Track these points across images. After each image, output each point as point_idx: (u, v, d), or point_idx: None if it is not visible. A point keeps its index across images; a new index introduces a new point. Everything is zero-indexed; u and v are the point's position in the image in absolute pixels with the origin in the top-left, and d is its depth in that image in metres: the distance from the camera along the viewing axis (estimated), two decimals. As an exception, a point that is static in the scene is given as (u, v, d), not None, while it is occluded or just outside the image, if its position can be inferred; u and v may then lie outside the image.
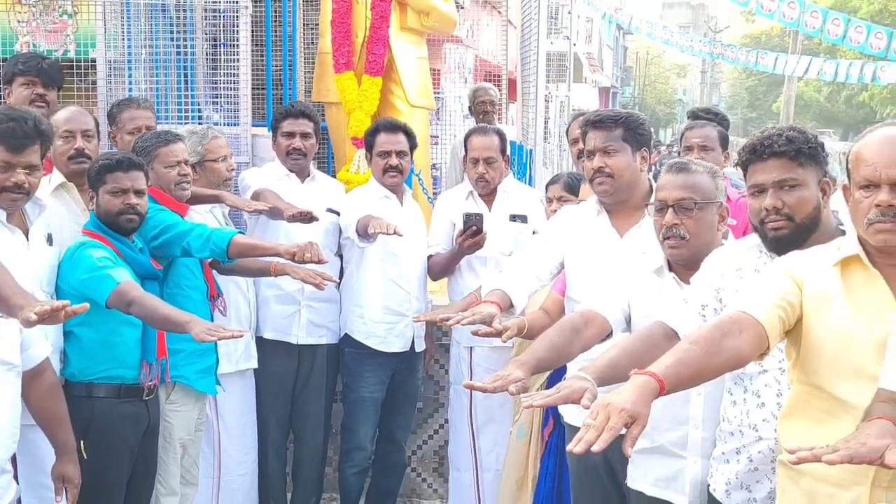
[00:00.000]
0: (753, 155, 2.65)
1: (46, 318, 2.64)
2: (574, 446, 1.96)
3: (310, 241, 3.92)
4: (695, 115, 5.04)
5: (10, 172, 3.25)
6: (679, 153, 4.65)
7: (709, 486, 2.86)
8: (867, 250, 2.30)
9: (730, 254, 2.82)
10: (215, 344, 3.87)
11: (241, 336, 3.95)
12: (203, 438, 4.17)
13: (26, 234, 3.42)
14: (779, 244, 2.60)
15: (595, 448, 1.92)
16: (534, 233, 4.41)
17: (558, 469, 3.83)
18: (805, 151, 2.60)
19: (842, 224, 2.63)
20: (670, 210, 2.93)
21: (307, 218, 4.20)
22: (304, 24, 6.83)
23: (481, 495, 4.65)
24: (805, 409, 2.37)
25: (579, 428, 3.39)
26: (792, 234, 2.59)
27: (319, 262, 3.81)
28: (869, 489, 2.20)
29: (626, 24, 31.27)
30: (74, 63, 5.02)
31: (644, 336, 2.66)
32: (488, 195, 4.67)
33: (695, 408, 2.96)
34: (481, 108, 6.73)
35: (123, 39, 5.12)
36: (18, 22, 5.46)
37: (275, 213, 4.29)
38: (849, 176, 2.33)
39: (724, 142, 4.67)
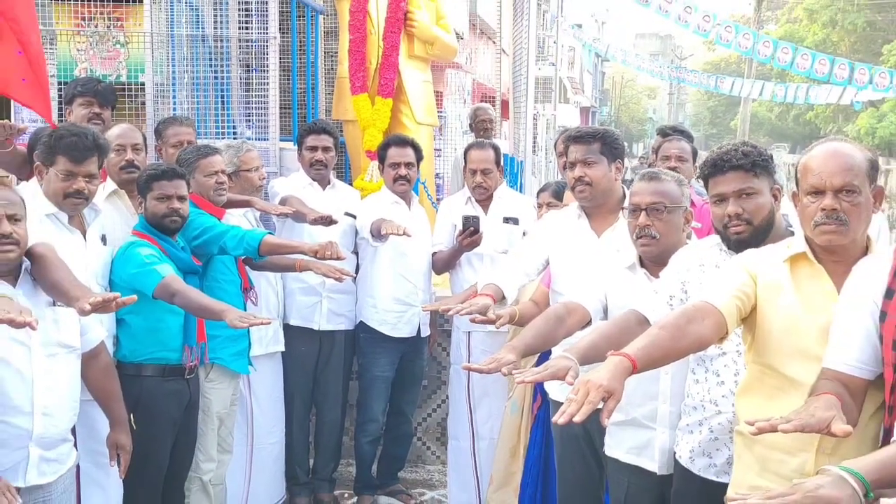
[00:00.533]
0: (714, 168, 2.65)
1: (99, 308, 2.65)
2: (558, 418, 2.00)
3: (330, 240, 3.94)
4: (663, 132, 5.03)
5: (73, 181, 3.25)
6: (652, 164, 4.66)
7: (675, 453, 2.87)
8: (813, 249, 2.33)
9: (693, 252, 2.85)
10: (248, 330, 3.88)
11: (269, 323, 3.97)
12: (237, 412, 4.19)
13: (84, 234, 3.42)
14: (740, 245, 2.61)
15: (576, 419, 1.96)
16: (524, 233, 4.41)
17: (545, 439, 3.85)
18: (759, 163, 2.62)
19: (791, 226, 2.68)
20: (643, 213, 2.94)
21: (327, 221, 4.24)
22: (324, 53, 6.83)
23: (477, 461, 4.66)
24: (759, 386, 2.41)
25: (562, 402, 3.47)
26: (751, 236, 2.60)
27: (338, 258, 3.80)
28: (814, 455, 2.22)
29: (603, 53, 31.13)
30: (126, 86, 5.03)
31: (619, 322, 2.67)
32: (485, 201, 4.67)
33: (663, 385, 2.97)
34: (481, 126, 6.71)
35: (168, 66, 5.11)
36: (78, 50, 5.46)
37: (299, 217, 4.30)
38: (797, 184, 2.34)
39: (695, 155, 4.66)
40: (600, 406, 2.80)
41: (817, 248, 2.34)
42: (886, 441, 2.08)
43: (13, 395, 2.76)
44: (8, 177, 3.50)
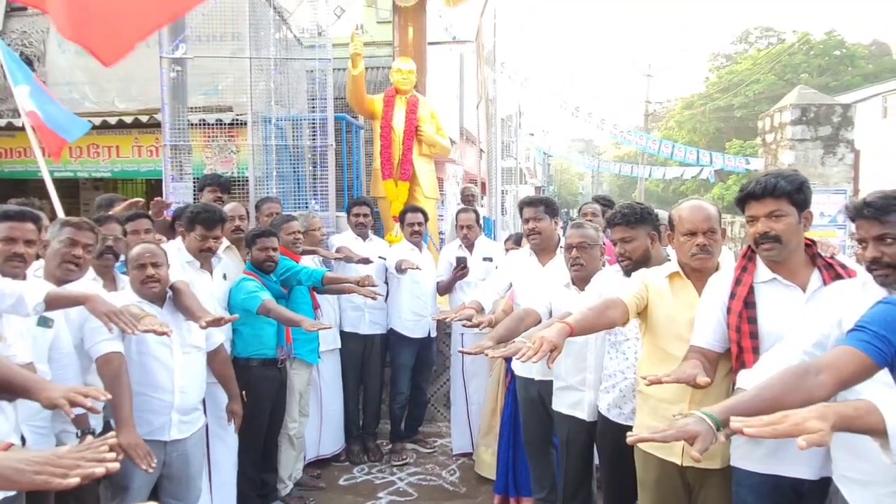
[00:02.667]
0: (608, 222, 2.76)
1: (212, 324, 2.72)
2: (521, 358, 2.00)
3: (368, 275, 4.01)
4: (596, 200, 5.09)
5: (206, 241, 3.33)
6: (575, 217, 4.71)
7: (598, 407, 2.87)
8: (683, 269, 2.36)
9: (606, 274, 2.86)
10: (317, 333, 3.90)
11: (330, 328, 4.03)
12: (311, 389, 4.17)
13: (211, 273, 3.46)
14: (627, 271, 2.65)
15: (533, 360, 1.99)
16: (496, 267, 4.39)
17: (514, 402, 3.78)
18: (640, 217, 2.66)
19: (669, 257, 2.68)
20: (575, 249, 2.96)
21: (366, 261, 4.34)
22: (364, 154, 6.90)
23: (470, 418, 4.61)
24: (650, 359, 2.41)
25: (523, 377, 3.45)
26: (633, 266, 2.65)
27: (374, 286, 3.88)
28: (688, 405, 2.21)
29: (548, 151, 31.55)
30: (236, 179, 5.05)
31: (557, 317, 2.59)
32: (470, 246, 4.65)
33: (589, 362, 2.96)
34: (467, 198, 6.71)
35: (264, 165, 5.15)
36: (206, 157, 5.55)
37: (348, 259, 4.34)
38: (673, 228, 2.38)
39: (604, 211, 4.74)
40: (551, 378, 2.79)
41: (687, 268, 2.37)
42: (734, 393, 2.04)
43: (160, 378, 2.78)
44: (160, 237, 3.51)
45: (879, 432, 1.29)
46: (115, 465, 1.19)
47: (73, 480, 1.13)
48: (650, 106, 33.92)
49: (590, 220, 3.73)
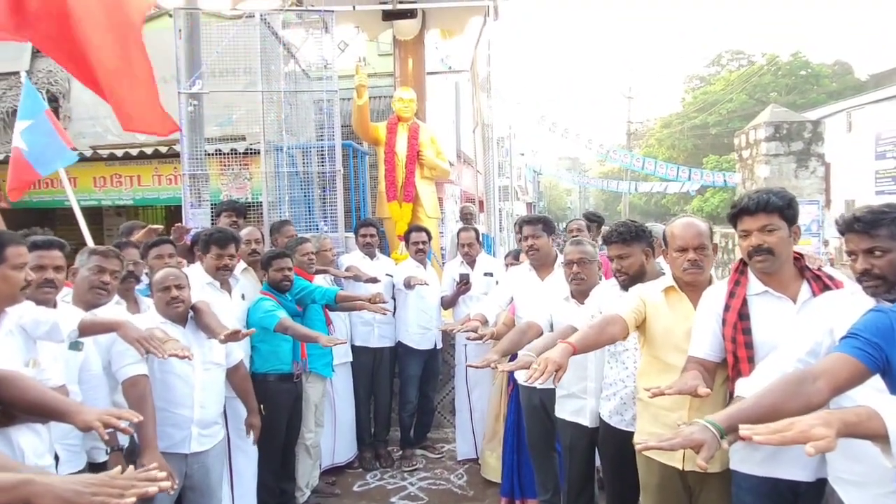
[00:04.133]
0: (604, 240, 2.73)
1: (230, 338, 2.69)
2: (529, 379, 1.98)
3: (378, 292, 3.99)
4: (587, 217, 5.08)
5: (222, 259, 3.31)
6: (567, 233, 4.69)
7: (599, 413, 2.83)
8: (678, 283, 2.34)
9: (604, 288, 2.83)
10: (330, 349, 3.89)
11: (344, 343, 3.99)
12: (325, 401, 4.12)
13: (230, 293, 3.44)
14: (625, 286, 2.63)
15: (539, 382, 1.97)
16: (497, 282, 4.37)
17: (517, 408, 3.76)
18: (635, 234, 2.64)
19: (663, 270, 2.67)
20: (575, 264, 2.94)
21: (374, 280, 4.31)
22: (370, 177, 6.87)
23: (474, 425, 4.57)
24: (650, 369, 2.39)
25: (526, 385, 3.41)
26: (630, 280, 2.61)
27: (383, 303, 3.86)
28: (687, 412, 2.20)
29: (538, 169, 31.66)
30: (250, 204, 5.04)
31: (560, 331, 2.63)
32: (471, 263, 4.63)
33: (590, 371, 2.93)
34: (466, 217, 6.72)
35: (276, 190, 5.13)
36: (222, 184, 5.55)
37: (358, 278, 4.32)
38: (666, 244, 2.37)
39: (590, 226, 4.75)
40: (552, 386, 2.77)
41: (681, 282, 2.34)
42: (731, 401, 2.02)
43: (181, 394, 2.77)
44: (181, 261, 3.49)
45: (880, 437, 1.27)
46: (167, 485, 1.20)
47: (130, 500, 1.14)
48: (632, 126, 34.12)
49: (575, 236, 3.73)
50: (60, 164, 4.12)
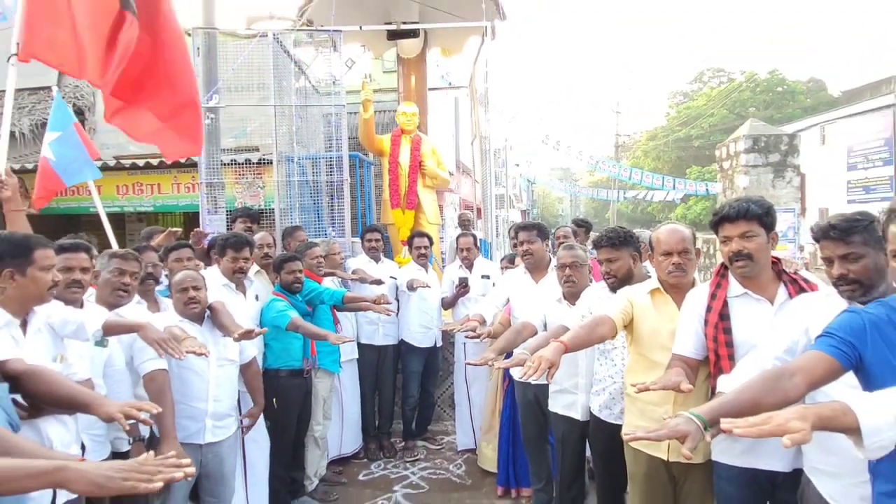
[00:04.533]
0: (594, 244, 2.71)
1: (244, 337, 2.69)
2: (524, 376, 1.98)
3: (383, 293, 3.99)
4: (576, 223, 5.07)
5: (237, 262, 3.31)
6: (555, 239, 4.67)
7: (590, 408, 2.83)
8: (663, 285, 2.33)
9: (594, 290, 2.82)
10: (338, 346, 3.89)
11: (352, 341, 3.97)
12: (333, 395, 4.10)
13: (245, 294, 3.43)
14: (613, 288, 2.62)
15: (533, 379, 1.96)
16: (493, 284, 4.36)
17: (512, 403, 3.76)
18: (623, 240, 2.64)
19: (649, 273, 2.66)
20: (567, 268, 2.94)
21: (379, 282, 4.30)
22: (375, 186, 6.87)
23: (472, 418, 4.55)
24: (637, 367, 2.38)
25: (521, 381, 3.40)
26: (618, 283, 2.60)
27: (387, 303, 3.85)
28: (672, 406, 2.19)
29: (532, 178, 31.68)
30: (263, 210, 5.02)
31: (553, 330, 2.62)
32: (469, 266, 4.62)
33: (581, 368, 2.92)
34: (465, 224, 6.70)
35: (287, 198, 5.13)
36: (237, 192, 5.54)
37: (363, 280, 4.30)
38: (652, 249, 2.37)
39: (578, 231, 4.73)
40: (546, 382, 2.76)
41: (666, 285, 2.34)
42: (713, 396, 2.03)
43: (196, 389, 2.77)
44: (199, 263, 3.49)
45: (853, 431, 1.26)
46: (192, 470, 1.20)
47: (158, 484, 1.15)
48: (619, 138, 34.14)
49: (561, 242, 3.73)
50: (85, 177, 4.12)
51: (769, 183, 9.05)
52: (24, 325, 1.88)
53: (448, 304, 4.68)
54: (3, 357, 1.63)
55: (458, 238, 4.88)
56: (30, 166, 6.29)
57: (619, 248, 2.62)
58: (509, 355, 2.98)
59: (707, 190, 19.06)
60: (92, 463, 1.23)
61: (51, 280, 1.86)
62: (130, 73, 3.13)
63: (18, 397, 1.70)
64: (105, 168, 4.54)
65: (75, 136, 4.16)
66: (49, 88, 7.50)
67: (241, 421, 3.12)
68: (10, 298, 1.81)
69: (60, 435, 1.85)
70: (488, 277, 4.58)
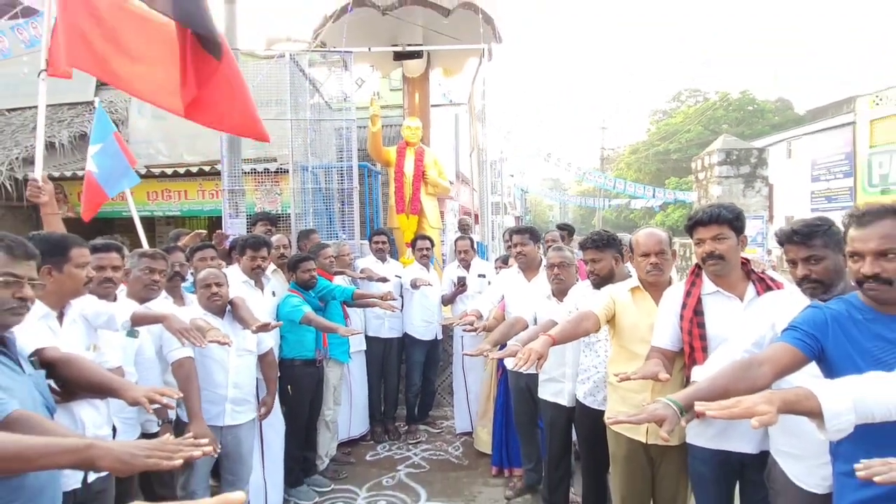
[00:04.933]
0: (581, 246, 2.69)
1: (261, 329, 2.66)
2: (516, 366, 1.96)
3: (389, 291, 3.98)
4: (558, 226, 5.09)
5: (255, 260, 3.29)
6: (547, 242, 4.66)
7: (576, 395, 2.81)
8: (643, 284, 2.32)
9: (580, 288, 2.82)
10: (347, 338, 3.88)
11: (360, 333, 3.95)
12: (343, 383, 4.08)
13: (262, 291, 3.41)
14: (597, 286, 2.61)
15: (524, 369, 1.94)
16: (489, 282, 4.35)
17: (506, 390, 3.76)
18: (606, 242, 2.63)
19: (630, 273, 2.67)
20: (556, 267, 2.93)
21: (385, 280, 4.27)
22: (382, 193, 6.83)
23: (469, 404, 4.54)
24: (618, 358, 2.37)
25: (513, 371, 3.39)
26: (600, 282, 2.61)
27: (393, 300, 3.84)
28: (650, 394, 2.19)
29: (525, 188, 31.64)
30: (281, 215, 5.01)
31: (542, 324, 2.60)
32: (467, 266, 4.61)
33: (567, 359, 2.93)
34: (463, 228, 6.73)
35: (302, 204, 5.11)
36: (256, 198, 5.53)
37: (370, 278, 4.29)
38: (632, 251, 2.35)
39: (562, 235, 4.75)
40: (536, 372, 2.73)
41: (645, 283, 2.33)
42: (688, 385, 2.01)
43: (217, 376, 2.76)
44: (221, 263, 3.49)
45: (816, 414, 1.26)
46: (209, 449, 1.19)
47: (178, 462, 1.13)
48: (604, 151, 34.13)
49: (550, 244, 3.73)
50: (124, 185, 4.10)
51: (740, 192, 9.05)
52: (60, 316, 1.88)
53: (448, 300, 4.66)
54: (41, 345, 1.62)
55: (456, 241, 4.87)
56: (68, 174, 6.29)
57: (602, 250, 2.62)
58: (503, 347, 2.99)
59: (684, 199, 19.05)
60: (118, 441, 1.23)
61: (85, 276, 1.86)
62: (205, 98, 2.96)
63: (52, 383, 1.70)
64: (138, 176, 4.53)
65: (115, 144, 4.15)
66: (86, 104, 7.52)
67: (261, 409, 3.10)
68: (48, 293, 1.81)
69: (92, 417, 1.85)
70: (484, 276, 4.57)
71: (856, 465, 1.14)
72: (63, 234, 1.90)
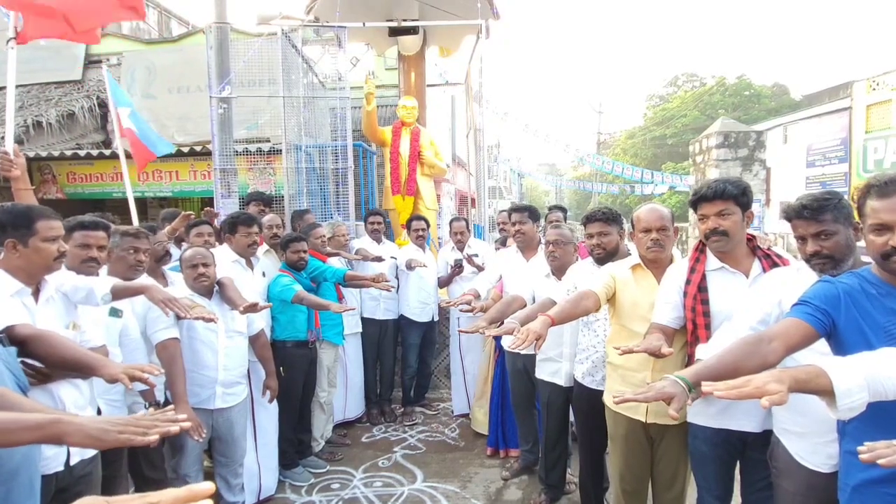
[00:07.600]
0: (586, 220, 2.60)
1: (249, 310, 2.59)
2: (514, 346, 1.90)
3: (382, 272, 3.90)
4: (551, 208, 5.03)
5: (250, 237, 3.21)
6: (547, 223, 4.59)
7: (574, 375, 2.77)
8: (643, 261, 2.27)
9: (579, 266, 2.75)
10: (341, 319, 3.82)
11: (354, 310, 3.88)
12: (338, 365, 4.03)
13: (253, 271, 3.34)
14: (600, 262, 2.55)
15: (522, 349, 1.87)
16: (483, 262, 4.30)
17: (503, 371, 3.72)
18: (614, 217, 2.56)
19: (630, 251, 2.60)
20: (552, 245, 2.88)
21: (380, 260, 4.21)
22: (377, 174, 6.75)
23: (466, 386, 4.51)
24: (618, 337, 2.32)
25: (510, 351, 3.33)
26: (605, 257, 2.54)
27: (386, 281, 3.76)
28: (650, 372, 2.14)
29: (521, 172, 31.48)
30: (274, 196, 4.91)
31: (540, 303, 2.54)
32: (461, 247, 4.53)
33: (566, 338, 2.88)
34: (460, 210, 6.68)
35: (296, 184, 5.03)
36: (249, 179, 5.44)
37: (365, 258, 4.23)
38: (633, 228, 2.30)
39: (565, 217, 4.67)
40: (534, 352, 2.67)
41: (646, 260, 2.27)
42: (690, 363, 1.97)
43: (206, 358, 2.70)
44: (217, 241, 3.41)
45: (827, 393, 1.20)
46: (187, 425, 1.12)
47: (153, 437, 1.06)
48: (601, 136, 33.95)
49: (552, 223, 3.66)
50: (163, 149, 4.05)
51: (738, 175, 8.98)
52: (36, 293, 1.79)
53: (444, 282, 4.61)
54: (11, 322, 1.53)
55: (451, 222, 4.80)
56: (56, 153, 6.15)
57: (610, 224, 2.56)
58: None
59: (680, 183, 18.98)
60: (89, 417, 1.14)
61: (56, 250, 1.76)
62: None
63: (35, 363, 1.61)
64: (127, 157, 4.42)
65: (138, 114, 4.09)
66: (74, 82, 7.34)
67: (264, 392, 3.06)
68: (16, 268, 1.72)
69: (74, 398, 1.77)
70: (477, 255, 4.51)
71: (859, 448, 1.09)
72: (28, 206, 1.78)
